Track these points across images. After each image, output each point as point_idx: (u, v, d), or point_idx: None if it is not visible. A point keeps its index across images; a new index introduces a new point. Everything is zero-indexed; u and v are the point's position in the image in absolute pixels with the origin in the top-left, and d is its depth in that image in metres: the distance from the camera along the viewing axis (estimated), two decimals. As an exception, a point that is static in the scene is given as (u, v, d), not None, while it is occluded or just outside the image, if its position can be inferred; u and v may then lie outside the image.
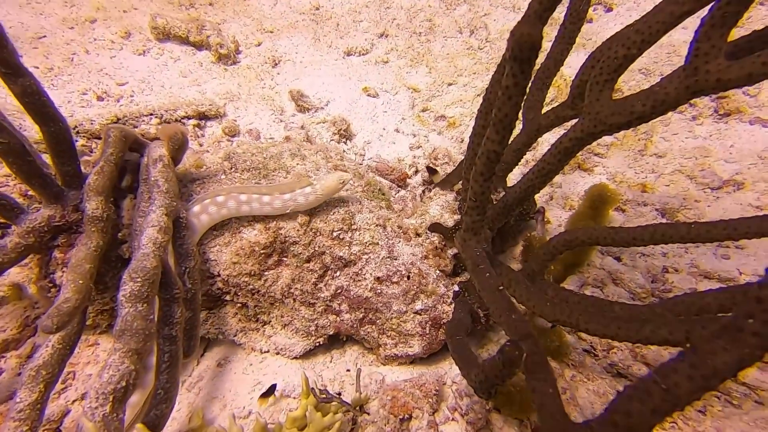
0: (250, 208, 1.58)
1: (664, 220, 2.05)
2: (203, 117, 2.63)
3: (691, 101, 2.54)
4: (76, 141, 2.04)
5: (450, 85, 3.19)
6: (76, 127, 2.05)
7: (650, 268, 1.83)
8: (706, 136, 2.42)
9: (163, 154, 1.55)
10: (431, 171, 2.32)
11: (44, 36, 2.90)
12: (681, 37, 2.89)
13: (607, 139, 2.55)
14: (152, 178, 1.48)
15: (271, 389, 1.53)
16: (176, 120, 2.49)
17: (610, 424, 0.64)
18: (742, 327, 0.55)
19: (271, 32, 3.51)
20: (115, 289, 1.54)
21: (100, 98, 2.43)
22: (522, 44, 0.68)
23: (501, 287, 0.90)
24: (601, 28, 3.30)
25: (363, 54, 3.41)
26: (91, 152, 2.08)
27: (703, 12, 0.93)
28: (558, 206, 2.30)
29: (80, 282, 1.18)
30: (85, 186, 1.35)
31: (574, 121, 1.43)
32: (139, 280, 1.15)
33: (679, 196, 2.13)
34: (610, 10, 3.43)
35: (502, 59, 1.25)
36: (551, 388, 0.74)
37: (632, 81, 2.82)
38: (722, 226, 1.12)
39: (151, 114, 2.37)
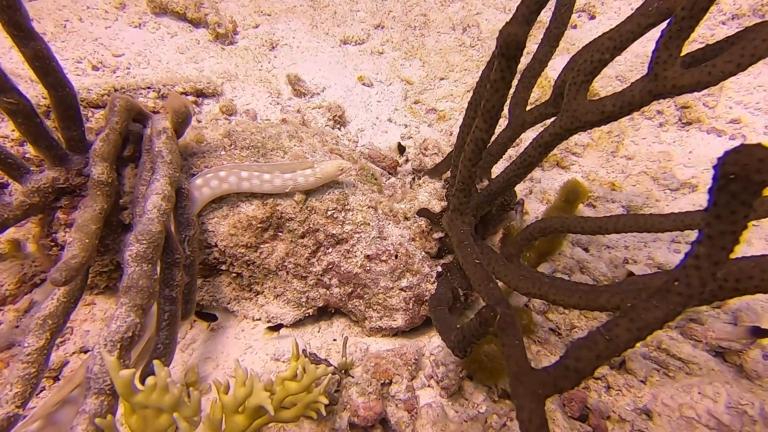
0: (251, 185, 1.63)
1: (628, 217, 2.22)
2: (201, 94, 2.63)
3: (659, 110, 2.71)
4: (74, 109, 2.02)
5: (442, 79, 3.27)
6: (73, 94, 2.03)
7: (613, 259, 1.99)
8: (670, 141, 2.60)
9: (167, 126, 1.58)
10: (401, 148, 2.58)
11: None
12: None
13: (584, 139, 2.71)
14: (156, 149, 1.51)
15: (278, 327, 1.66)
16: (173, 95, 2.48)
17: (562, 368, 0.76)
18: (669, 288, 0.66)
19: (269, 15, 3.49)
20: (114, 253, 1.57)
21: (95, 68, 2.39)
22: (509, 42, 0.77)
23: (480, 261, 1.00)
24: (584, 34, 3.44)
25: (359, 43, 3.44)
26: (88, 120, 2.06)
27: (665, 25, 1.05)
28: (536, 200, 2.44)
29: (86, 241, 1.22)
30: (90, 151, 1.37)
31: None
32: (144, 242, 1.20)
33: (643, 195, 2.30)
34: (593, 17, 3.58)
35: (492, 56, 1.34)
36: (517, 341, 0.85)
37: (609, 87, 2.98)
38: (672, 218, 1.26)
39: (149, 87, 2.36)
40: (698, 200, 2.20)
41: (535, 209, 2.37)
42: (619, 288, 1.00)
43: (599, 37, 1.23)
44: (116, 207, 1.54)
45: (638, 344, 0.74)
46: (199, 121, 2.39)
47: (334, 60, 3.26)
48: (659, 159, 2.45)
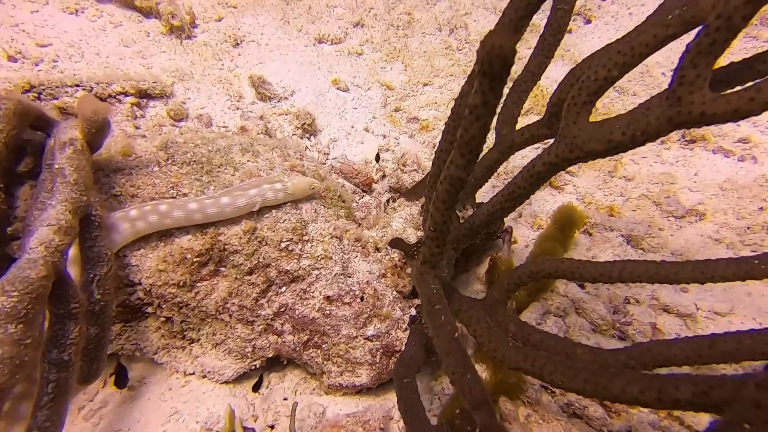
0: (205, 215, 1.41)
1: (629, 248, 2.07)
2: (145, 95, 2.36)
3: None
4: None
5: (425, 85, 3.10)
6: (-26, 92, 1.75)
7: (612, 298, 1.83)
8: (673, 161, 2.48)
9: (74, 137, 1.33)
10: (378, 159, 2.47)
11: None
12: (654, 57, 2.96)
13: (579, 158, 2.56)
14: (57, 166, 1.25)
15: (259, 384, 1.53)
16: (110, 96, 2.22)
17: None
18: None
19: (235, 7, 3.25)
20: None
21: (12, 58, 2.11)
22: (493, 57, 0.57)
23: (457, 335, 0.79)
24: (579, 39, 3.33)
25: (336, 43, 3.24)
26: (-6, 125, 1.78)
27: (688, 36, 0.88)
28: (526, 225, 2.27)
29: (-61, 293, 0.95)
30: (-39, 170, 1.11)
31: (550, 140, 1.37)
32: (15, 294, 0.94)
33: (645, 223, 2.15)
34: (588, 22, 3.48)
35: (472, 71, 1.15)
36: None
37: (606, 98, 2.86)
38: (690, 268, 1.09)
39: (78, 85, 2.08)
40: (706, 231, 2.07)
41: (524, 236, 2.20)
42: (634, 370, 0.81)
43: (606, 49, 1.06)
44: (3, 237, 1.27)
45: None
46: (137, 128, 2.12)
47: (306, 60, 3.05)
48: (661, 181, 2.32)
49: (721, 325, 1.68)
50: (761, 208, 2.12)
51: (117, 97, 2.24)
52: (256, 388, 1.52)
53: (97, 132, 1.38)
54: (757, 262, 1.06)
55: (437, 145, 0.99)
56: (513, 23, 0.85)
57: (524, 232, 2.22)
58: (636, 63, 0.93)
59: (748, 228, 2.09)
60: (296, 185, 1.53)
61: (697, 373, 0.90)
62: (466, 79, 1.11)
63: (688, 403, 0.71)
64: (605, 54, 0.97)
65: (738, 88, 0.81)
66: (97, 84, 2.15)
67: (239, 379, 1.52)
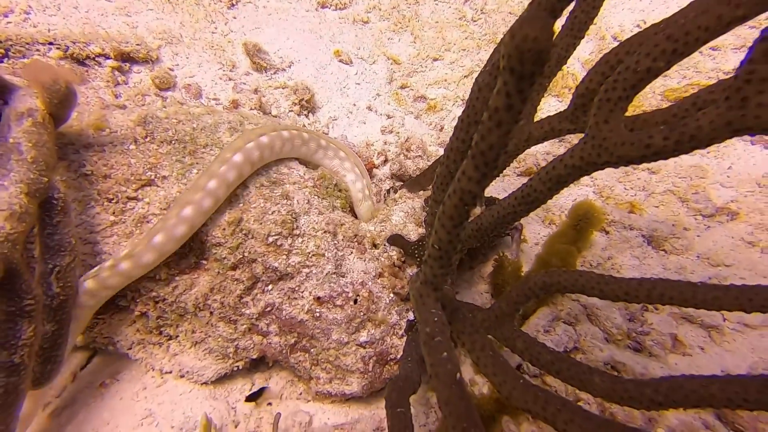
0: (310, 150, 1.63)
1: (650, 249, 1.94)
2: (128, 59, 2.19)
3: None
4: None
5: (435, 60, 2.89)
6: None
7: (628, 304, 1.72)
8: (704, 153, 2.31)
9: (34, 107, 1.19)
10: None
11: None
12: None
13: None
14: (11, 140, 1.12)
15: (260, 392, 1.44)
16: (88, 57, 2.05)
17: None
18: None
19: (231, -37, 3.00)
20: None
21: (-22, 13, 1.93)
22: (524, 53, 0.43)
23: (460, 377, 0.68)
24: (607, 11, 3.05)
25: (340, 8, 3.01)
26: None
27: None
28: (538, 220, 2.14)
29: None
30: None
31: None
32: (-46, 295, 0.84)
33: (668, 222, 2.01)
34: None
35: (490, 61, 0.99)
36: None
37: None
38: (734, 293, 0.96)
39: (51, 43, 1.92)
40: (739, 232, 1.92)
41: (535, 233, 2.07)
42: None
43: (651, 32, 0.90)
44: (-47, 223, 1.15)
45: None
46: (116, 96, 1.97)
47: (307, 27, 2.83)
48: (690, 175, 2.15)
49: (751, 339, 1.58)
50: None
51: (96, 59, 2.08)
52: (251, 398, 1.42)
53: (60, 103, 1.23)
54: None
55: (448, 142, 0.85)
56: (551, 4, 0.68)
57: (535, 228, 2.09)
58: (690, 51, 0.77)
59: (787, 231, 1.95)
60: (369, 210, 1.70)
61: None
62: (485, 67, 0.95)
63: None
64: (650, 41, 0.80)
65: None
66: (74, 43, 1.97)
67: (220, 380, 1.44)
